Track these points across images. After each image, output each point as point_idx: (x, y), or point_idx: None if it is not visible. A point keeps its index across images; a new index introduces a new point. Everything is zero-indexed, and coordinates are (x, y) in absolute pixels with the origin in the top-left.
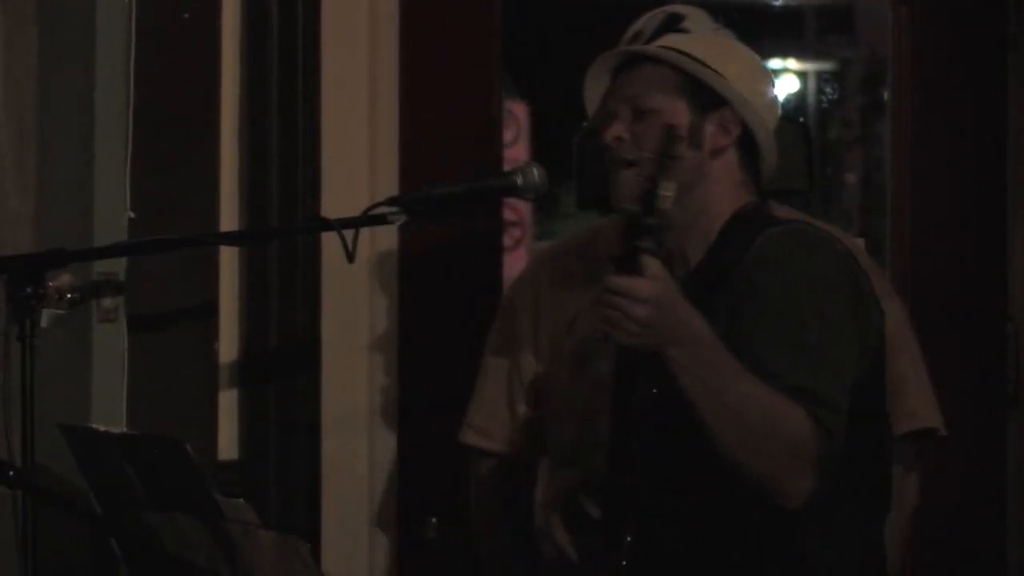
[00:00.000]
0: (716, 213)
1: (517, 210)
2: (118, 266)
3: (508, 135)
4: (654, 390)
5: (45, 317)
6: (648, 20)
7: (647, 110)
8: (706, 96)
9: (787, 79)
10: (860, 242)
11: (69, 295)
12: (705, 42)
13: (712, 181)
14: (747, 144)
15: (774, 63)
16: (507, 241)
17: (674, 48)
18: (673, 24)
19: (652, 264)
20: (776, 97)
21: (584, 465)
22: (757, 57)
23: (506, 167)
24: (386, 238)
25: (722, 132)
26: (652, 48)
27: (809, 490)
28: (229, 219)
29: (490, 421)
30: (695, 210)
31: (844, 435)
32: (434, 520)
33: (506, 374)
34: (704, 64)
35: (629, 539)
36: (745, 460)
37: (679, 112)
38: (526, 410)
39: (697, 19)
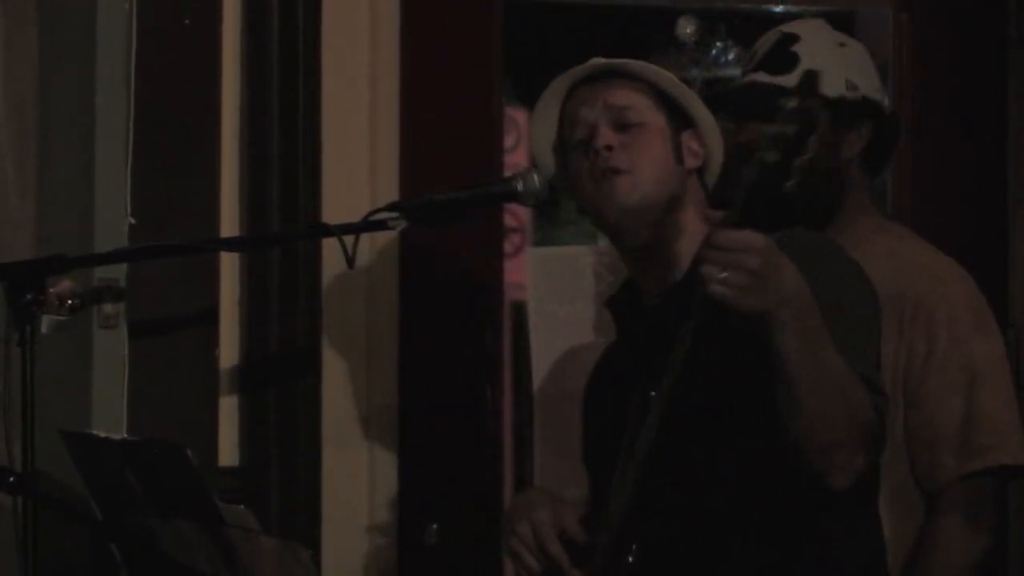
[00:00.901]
0: (693, 229)
1: (517, 216)
2: (119, 272)
3: (509, 141)
4: (652, 393)
5: (46, 323)
6: (762, 43)
7: (632, 124)
8: (678, 115)
9: None
10: None
11: (70, 301)
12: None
13: (690, 201)
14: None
15: None
16: (507, 247)
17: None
18: (788, 45)
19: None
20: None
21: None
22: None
23: (507, 173)
24: (386, 244)
25: (691, 152)
26: (634, 63)
27: (860, 470)
28: (229, 225)
29: None
30: (679, 226)
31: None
32: (434, 526)
33: None
34: (674, 80)
35: (634, 546)
36: (815, 429)
37: (660, 125)
38: None
39: (812, 33)
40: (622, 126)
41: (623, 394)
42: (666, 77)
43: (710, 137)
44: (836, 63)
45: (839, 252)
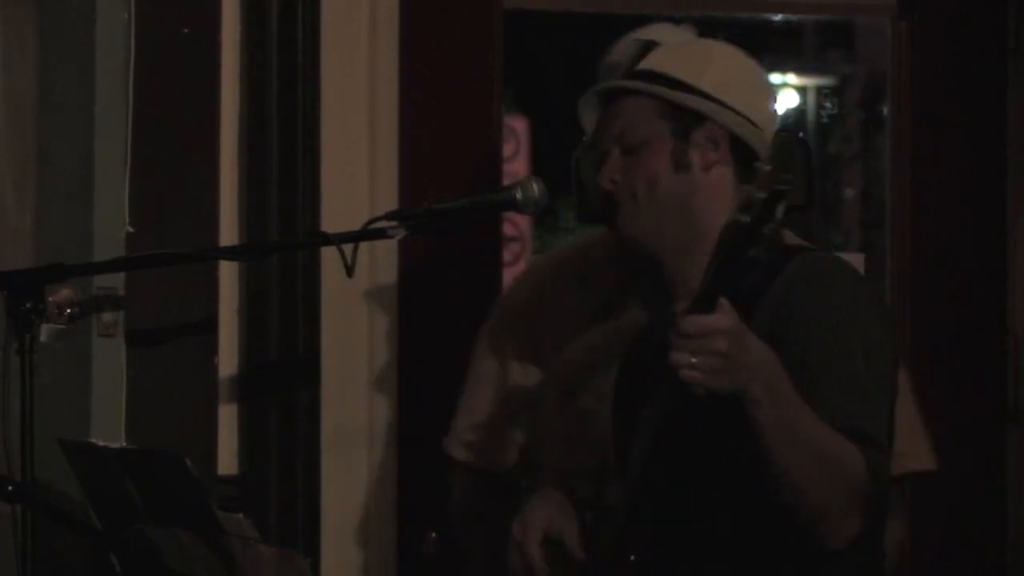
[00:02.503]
0: (716, 230)
1: (517, 225)
2: (117, 281)
3: (508, 150)
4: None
5: (45, 332)
6: (621, 52)
7: (635, 145)
8: (687, 115)
9: (786, 94)
10: (860, 257)
11: (68, 310)
12: (680, 53)
13: (706, 199)
14: (740, 150)
15: (773, 78)
16: (506, 256)
17: (648, 69)
18: (648, 51)
19: (721, 301)
20: (766, 89)
21: (562, 489)
22: (739, 54)
23: (506, 182)
24: (386, 252)
25: (711, 147)
26: (621, 83)
27: (856, 533)
28: (228, 233)
29: (475, 434)
30: (692, 233)
31: (888, 477)
32: (434, 535)
33: (493, 386)
34: (678, 81)
35: (633, 558)
36: (804, 500)
37: (663, 138)
38: (511, 426)
39: (668, 33)
40: (625, 150)
41: (646, 392)
42: (660, 89)
43: (729, 123)
44: None
45: (864, 286)
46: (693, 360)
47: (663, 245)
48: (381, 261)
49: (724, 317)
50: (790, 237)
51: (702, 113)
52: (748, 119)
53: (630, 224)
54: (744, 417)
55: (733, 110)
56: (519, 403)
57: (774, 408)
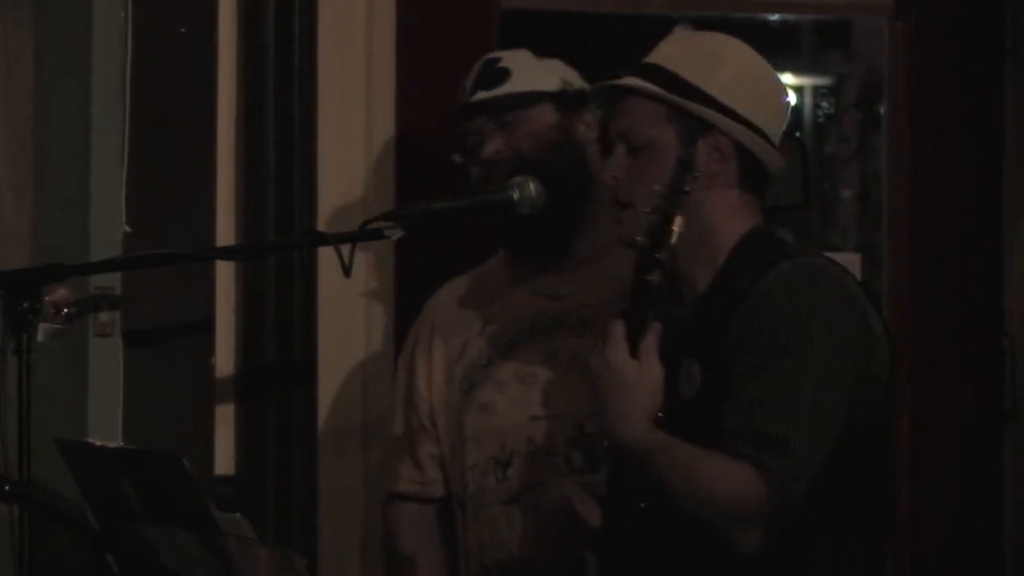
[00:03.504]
0: (721, 238)
1: None
2: (114, 281)
3: None
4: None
5: (41, 331)
6: (472, 74)
7: (639, 146)
8: (694, 121)
9: None
10: (857, 258)
11: (65, 309)
12: (692, 48)
13: (712, 206)
14: (746, 155)
15: None
16: None
17: (658, 64)
18: (494, 65)
19: (649, 349)
20: (780, 95)
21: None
22: (753, 55)
23: None
24: (382, 253)
25: (716, 155)
26: (628, 81)
27: (758, 545)
28: (225, 233)
29: (406, 467)
30: (699, 237)
31: (802, 486)
32: None
33: (404, 411)
34: (687, 82)
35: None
36: (692, 512)
37: (668, 142)
38: (428, 445)
39: (515, 60)
40: (630, 149)
41: None
42: (666, 95)
43: (736, 131)
44: (545, 68)
45: (838, 294)
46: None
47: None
48: (378, 261)
49: (617, 356)
50: (789, 237)
51: (709, 122)
52: (755, 128)
53: (629, 229)
54: None
55: (741, 118)
56: (431, 420)
57: (644, 450)
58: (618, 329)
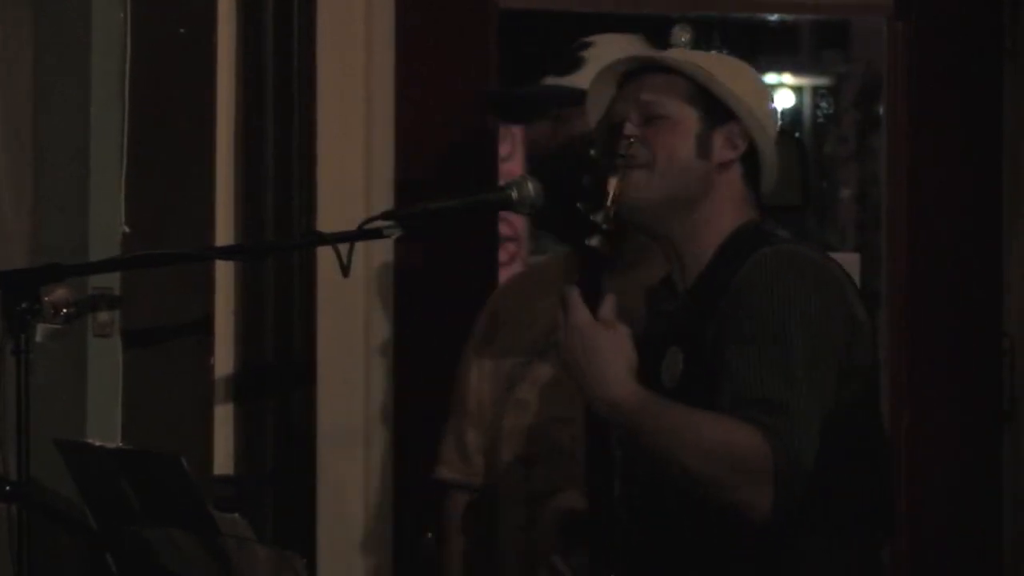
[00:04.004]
0: (718, 228)
1: (513, 225)
2: (113, 281)
3: (504, 150)
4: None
5: (40, 332)
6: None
7: (659, 116)
8: (716, 109)
9: (783, 94)
10: (855, 257)
11: (64, 310)
12: (711, 58)
13: (717, 195)
14: (750, 160)
15: (770, 78)
16: (502, 256)
17: (675, 57)
18: (580, 50)
19: (607, 302)
20: (776, 116)
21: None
22: (757, 74)
23: (501, 181)
24: (381, 252)
25: (729, 146)
26: (671, 57)
27: (770, 506)
28: (224, 233)
29: (451, 451)
30: (698, 223)
31: (808, 449)
32: (430, 534)
33: (460, 401)
34: (714, 77)
35: None
36: (694, 477)
37: (689, 120)
38: (474, 434)
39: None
40: (648, 119)
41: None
42: (702, 71)
43: (754, 129)
44: None
45: (818, 276)
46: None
47: (664, 223)
48: (377, 261)
49: (580, 315)
50: (771, 226)
51: (731, 110)
52: (767, 133)
53: (641, 189)
54: None
55: (758, 120)
56: (480, 414)
57: (630, 409)
58: (574, 293)
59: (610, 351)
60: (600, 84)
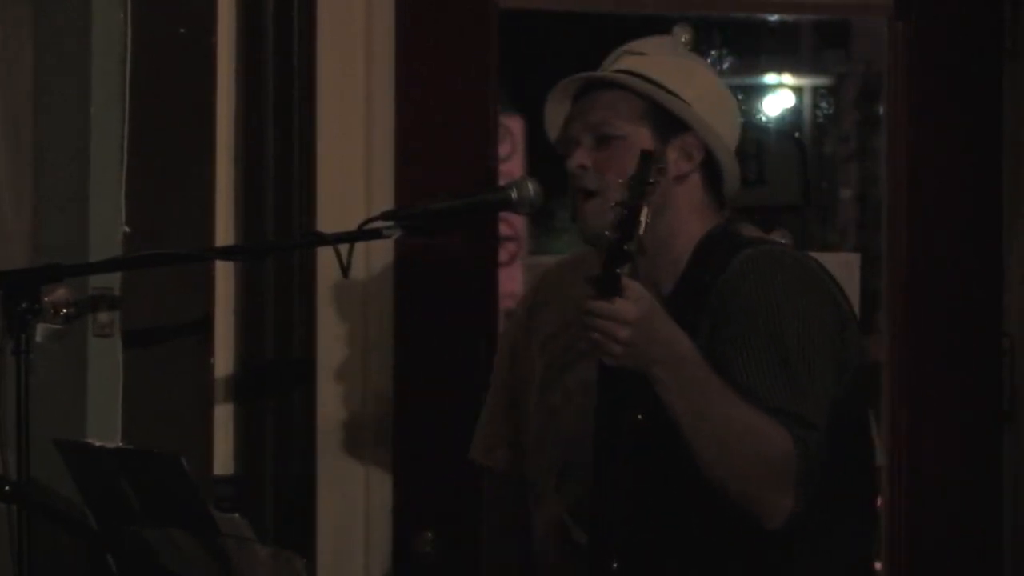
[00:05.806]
0: (685, 238)
1: (512, 225)
2: (113, 281)
3: (504, 150)
4: (639, 416)
5: (40, 332)
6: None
7: (610, 137)
8: (668, 122)
9: (782, 94)
10: (856, 257)
11: (64, 310)
12: (664, 65)
13: (677, 206)
14: (710, 165)
15: (769, 78)
16: (502, 256)
17: (633, 72)
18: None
19: (633, 285)
20: (738, 118)
21: (544, 489)
22: (718, 78)
23: (501, 181)
24: (381, 252)
25: (685, 158)
26: (613, 74)
27: (788, 510)
28: (224, 234)
29: (489, 438)
30: (664, 236)
31: (822, 455)
32: (430, 534)
33: (496, 390)
34: (664, 89)
35: (616, 565)
36: (726, 478)
37: (642, 139)
38: (511, 429)
39: (657, 46)
40: (600, 139)
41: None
42: (651, 86)
43: (709, 138)
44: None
45: (805, 274)
46: (596, 337)
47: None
48: (377, 261)
49: (630, 306)
50: (749, 230)
51: (684, 122)
52: (723, 140)
53: (597, 219)
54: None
55: (712, 127)
56: (515, 406)
57: (680, 393)
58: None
59: (660, 318)
60: (555, 103)
